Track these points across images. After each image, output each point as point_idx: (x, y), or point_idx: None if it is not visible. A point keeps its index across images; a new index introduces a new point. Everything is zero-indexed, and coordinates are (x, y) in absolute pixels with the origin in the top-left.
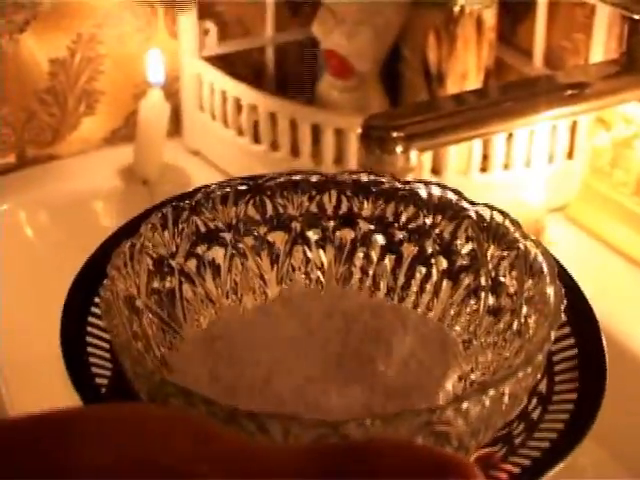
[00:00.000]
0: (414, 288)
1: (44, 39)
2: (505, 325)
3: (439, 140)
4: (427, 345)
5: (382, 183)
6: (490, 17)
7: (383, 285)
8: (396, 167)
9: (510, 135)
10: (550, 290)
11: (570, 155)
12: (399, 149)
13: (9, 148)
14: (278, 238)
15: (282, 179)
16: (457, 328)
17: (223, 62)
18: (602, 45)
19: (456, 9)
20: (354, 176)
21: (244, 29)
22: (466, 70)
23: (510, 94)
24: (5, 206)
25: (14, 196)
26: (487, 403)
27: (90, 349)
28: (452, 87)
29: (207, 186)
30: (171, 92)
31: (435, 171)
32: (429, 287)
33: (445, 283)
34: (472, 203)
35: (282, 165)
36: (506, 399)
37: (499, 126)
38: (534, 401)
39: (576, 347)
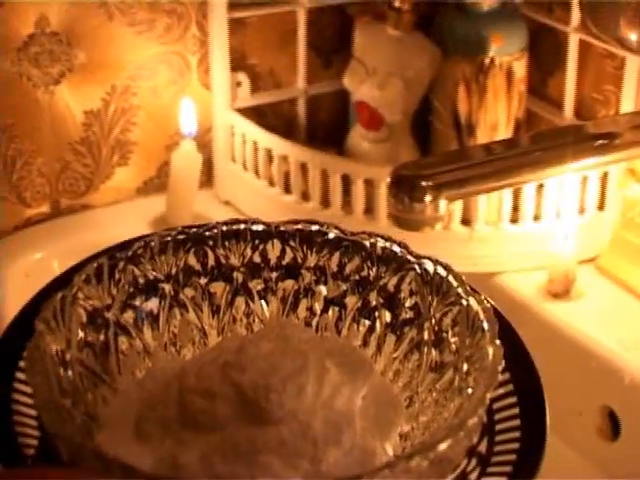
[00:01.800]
0: (358, 341)
1: (79, 91)
2: (447, 382)
3: (468, 189)
4: (372, 399)
5: (326, 234)
6: (520, 68)
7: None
8: (425, 216)
9: (540, 186)
10: (489, 350)
11: (601, 206)
12: (428, 198)
13: (43, 198)
14: (219, 289)
15: (224, 228)
16: (399, 384)
17: (255, 113)
18: (632, 96)
19: (486, 61)
20: (298, 226)
21: (276, 81)
22: (496, 121)
23: (539, 144)
24: (39, 255)
25: (48, 245)
26: (416, 468)
27: (20, 408)
28: (482, 138)
29: (146, 236)
30: (203, 143)
31: (465, 222)
32: (373, 340)
33: (389, 337)
34: (417, 256)
35: (313, 216)
36: (435, 465)
37: (528, 175)
38: (473, 462)
39: (518, 406)
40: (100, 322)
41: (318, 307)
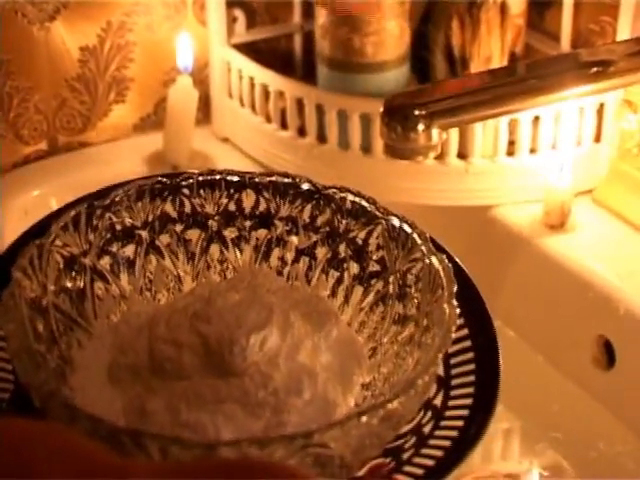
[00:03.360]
0: (326, 292)
1: (74, 27)
2: (408, 335)
3: (461, 118)
4: (336, 350)
5: (299, 186)
6: (518, 3)
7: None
8: (418, 145)
9: (536, 118)
10: (446, 309)
11: (597, 138)
12: (421, 127)
13: (41, 135)
14: (194, 236)
15: (200, 178)
16: (364, 335)
17: (251, 49)
18: (629, 26)
19: None
20: (272, 178)
21: (272, 16)
22: (490, 55)
23: (534, 72)
24: (37, 192)
25: (45, 182)
26: (366, 425)
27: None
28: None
29: (123, 183)
30: (200, 80)
31: (461, 155)
32: (341, 291)
33: (356, 288)
34: (385, 212)
35: (310, 151)
36: (386, 421)
37: (523, 103)
38: (428, 414)
39: (474, 362)
40: (77, 268)
41: (289, 257)
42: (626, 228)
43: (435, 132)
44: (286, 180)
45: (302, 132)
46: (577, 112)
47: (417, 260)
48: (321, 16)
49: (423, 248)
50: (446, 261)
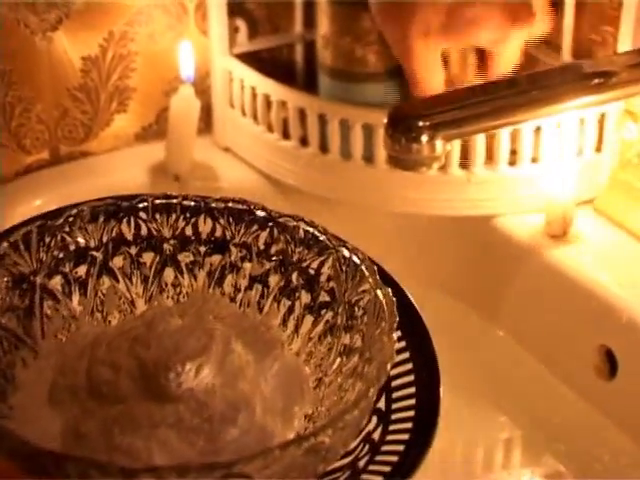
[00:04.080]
0: (277, 320)
1: (76, 37)
2: (352, 367)
3: (465, 129)
4: (279, 381)
5: (254, 213)
6: None
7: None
8: (422, 156)
9: (538, 128)
10: (385, 342)
11: (598, 148)
12: (424, 138)
13: (43, 145)
14: (149, 259)
15: (156, 201)
16: (312, 365)
17: (253, 59)
18: (630, 37)
19: None
20: (228, 204)
21: (274, 26)
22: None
23: (536, 83)
24: (38, 201)
25: (47, 192)
26: (291, 457)
27: None
28: None
29: (78, 204)
30: (201, 89)
31: (463, 165)
32: (291, 320)
33: (307, 318)
34: (337, 242)
35: (312, 161)
36: (312, 454)
37: (525, 115)
38: (365, 448)
39: (415, 397)
40: (26, 286)
41: (243, 284)
42: (628, 237)
43: (439, 143)
44: (241, 207)
45: (304, 142)
46: (578, 122)
47: (365, 292)
48: (323, 26)
49: (370, 280)
50: (390, 294)
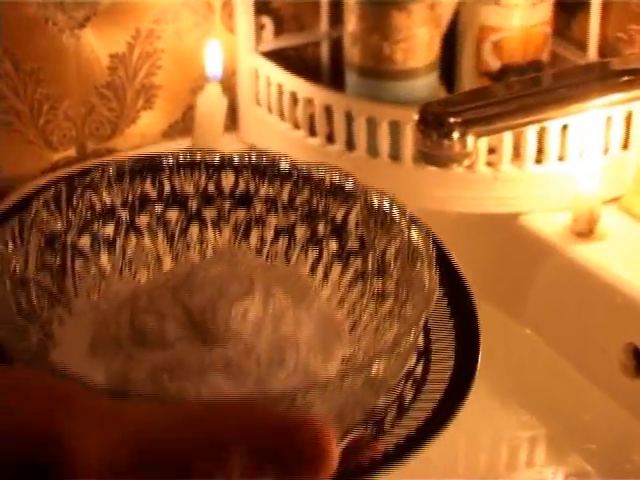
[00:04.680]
0: (305, 270)
1: (104, 35)
2: (387, 310)
3: (495, 126)
4: (316, 324)
5: (278, 165)
6: (545, 10)
7: None
8: (453, 152)
9: (565, 126)
10: (426, 277)
11: (625, 146)
12: (456, 134)
13: (70, 142)
14: (174, 216)
15: (180, 158)
16: (344, 311)
17: (279, 57)
18: None
19: None
20: (253, 157)
21: (300, 24)
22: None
23: (564, 81)
24: None
25: None
26: (349, 388)
27: None
28: None
29: (103, 163)
30: (228, 87)
31: (490, 163)
32: (320, 268)
33: (335, 266)
34: (364, 189)
35: (338, 158)
36: (368, 385)
37: (554, 112)
38: (409, 384)
39: (454, 330)
40: (57, 245)
41: (269, 236)
42: None
43: (470, 139)
44: (265, 159)
45: (331, 139)
46: (605, 120)
47: (396, 236)
48: (351, 23)
49: (402, 223)
50: (424, 234)
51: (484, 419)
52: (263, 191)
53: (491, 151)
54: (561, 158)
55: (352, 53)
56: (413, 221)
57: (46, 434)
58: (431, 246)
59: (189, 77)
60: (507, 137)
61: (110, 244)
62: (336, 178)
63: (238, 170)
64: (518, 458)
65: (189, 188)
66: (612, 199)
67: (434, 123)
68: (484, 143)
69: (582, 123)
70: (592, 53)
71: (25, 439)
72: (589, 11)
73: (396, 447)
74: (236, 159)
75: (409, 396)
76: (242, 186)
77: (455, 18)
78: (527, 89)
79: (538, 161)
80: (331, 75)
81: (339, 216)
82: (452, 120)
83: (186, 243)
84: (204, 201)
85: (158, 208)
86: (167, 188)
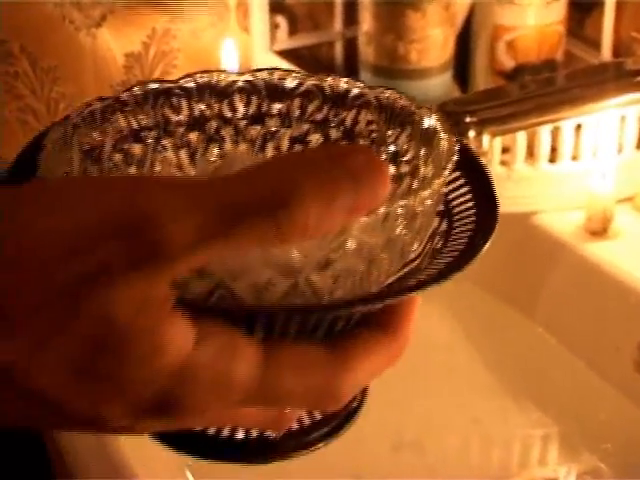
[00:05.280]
0: None
1: (120, 34)
2: (405, 188)
3: (510, 125)
4: None
5: (285, 80)
6: (559, 9)
7: None
8: None
9: (578, 126)
10: (444, 143)
11: (639, 145)
12: (472, 133)
13: None
14: (194, 137)
15: (198, 80)
16: None
17: (293, 56)
18: None
19: None
20: (263, 75)
21: (314, 23)
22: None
23: (579, 81)
24: None
25: None
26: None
27: None
28: None
29: (129, 88)
30: None
31: (504, 162)
32: None
33: None
34: (370, 88)
35: None
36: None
37: (568, 112)
38: (436, 239)
39: (471, 194)
40: (94, 159)
41: (284, 146)
42: None
43: (486, 138)
44: (276, 76)
45: None
46: (619, 119)
47: (407, 122)
48: (366, 23)
49: (412, 108)
50: (439, 118)
51: (497, 417)
52: (275, 108)
53: (505, 150)
54: (575, 157)
55: (366, 52)
56: (425, 110)
57: (137, 217)
58: (445, 122)
59: None
60: (521, 136)
61: (139, 165)
62: (345, 83)
63: (250, 91)
64: (531, 456)
65: (207, 110)
66: (626, 198)
67: (450, 122)
68: (498, 142)
69: (596, 122)
70: (606, 52)
71: (118, 226)
72: (603, 10)
73: (438, 271)
74: (248, 77)
75: (439, 244)
76: (255, 105)
77: (469, 17)
78: (542, 89)
79: (552, 160)
80: (345, 74)
81: (349, 119)
82: (468, 119)
83: (207, 159)
84: (222, 122)
85: (180, 130)
86: (186, 111)
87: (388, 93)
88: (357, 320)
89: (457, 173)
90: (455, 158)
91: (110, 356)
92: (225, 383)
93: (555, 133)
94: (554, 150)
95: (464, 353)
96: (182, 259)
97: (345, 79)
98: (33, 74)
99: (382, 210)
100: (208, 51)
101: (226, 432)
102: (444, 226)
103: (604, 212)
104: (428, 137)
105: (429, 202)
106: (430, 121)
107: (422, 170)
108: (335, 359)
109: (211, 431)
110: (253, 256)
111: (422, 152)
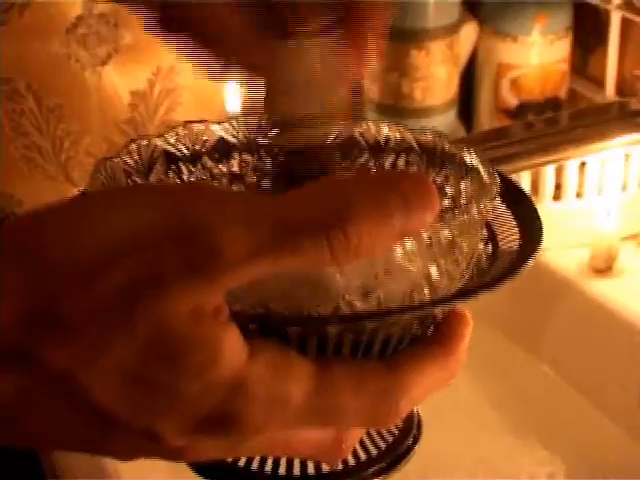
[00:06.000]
0: None
1: (125, 72)
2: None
3: (513, 165)
4: None
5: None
6: (564, 47)
7: None
8: None
9: (583, 164)
10: (485, 176)
11: None
12: None
13: None
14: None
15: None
16: None
17: None
18: None
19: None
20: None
21: None
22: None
23: (583, 120)
24: None
25: None
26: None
27: None
28: None
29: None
30: None
31: None
32: None
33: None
34: (410, 130)
35: None
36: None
37: (572, 152)
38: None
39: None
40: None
41: None
42: None
43: None
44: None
45: None
46: (623, 157)
47: (447, 162)
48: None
49: (453, 150)
50: (475, 153)
51: (502, 455)
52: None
53: None
54: (579, 195)
55: (370, 90)
56: (464, 148)
57: (194, 223)
58: (485, 159)
59: (209, 113)
60: (525, 174)
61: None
62: (385, 131)
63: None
64: None
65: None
66: (630, 236)
67: None
68: None
69: (600, 160)
70: (610, 90)
71: (175, 230)
72: (607, 49)
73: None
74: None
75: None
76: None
77: (473, 56)
78: (546, 129)
79: (556, 197)
80: None
81: (388, 162)
82: None
83: None
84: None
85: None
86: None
87: (428, 135)
88: (411, 338)
89: (500, 201)
90: (496, 187)
91: (165, 364)
92: (280, 399)
93: (559, 170)
94: (558, 187)
95: (469, 390)
96: (237, 269)
97: (386, 125)
98: (39, 112)
99: (425, 235)
100: (213, 87)
101: (269, 467)
102: (489, 249)
103: (609, 250)
104: (468, 173)
105: (468, 229)
106: (470, 158)
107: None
108: (391, 373)
109: (255, 465)
110: (297, 279)
111: (463, 187)
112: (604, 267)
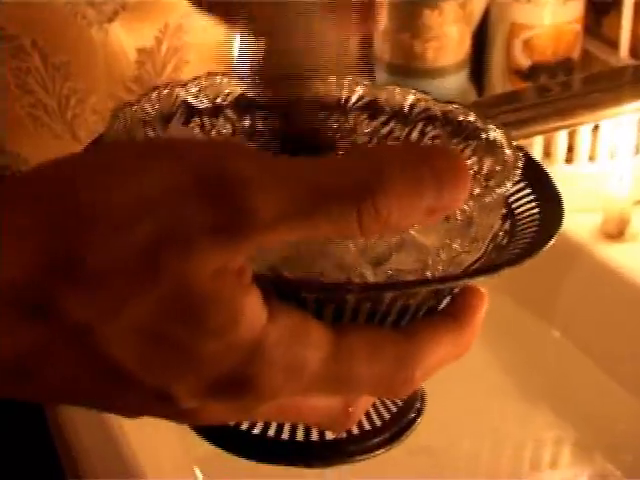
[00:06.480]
0: None
1: (132, 29)
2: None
3: (527, 130)
4: None
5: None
6: (576, 8)
7: None
8: None
9: (596, 127)
10: (509, 155)
11: None
12: None
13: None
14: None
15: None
16: None
17: None
18: None
19: None
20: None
21: None
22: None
23: (597, 84)
24: None
25: None
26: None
27: None
28: None
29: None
30: None
31: None
32: None
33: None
34: (435, 100)
35: None
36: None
37: (585, 117)
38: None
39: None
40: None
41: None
42: None
43: None
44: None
45: None
46: (636, 121)
47: (472, 137)
48: (381, 21)
49: (478, 124)
50: (503, 129)
51: (513, 420)
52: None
53: None
54: (592, 158)
55: (382, 51)
56: (489, 124)
57: (225, 182)
58: (509, 135)
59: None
60: (537, 137)
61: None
62: (411, 98)
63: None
64: (542, 459)
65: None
66: None
67: None
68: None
69: (613, 124)
70: (624, 52)
71: (205, 187)
72: (621, 9)
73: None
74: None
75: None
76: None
77: (485, 16)
78: (559, 93)
79: (568, 161)
80: None
81: (416, 131)
82: None
83: None
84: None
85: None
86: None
87: (453, 107)
88: (426, 311)
89: (522, 182)
90: (519, 169)
91: (185, 323)
92: (297, 364)
93: (572, 134)
94: (570, 150)
95: (479, 356)
96: (265, 232)
97: (413, 90)
98: (44, 70)
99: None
100: (220, 47)
101: (272, 432)
102: (507, 226)
103: (621, 214)
104: (493, 150)
105: (488, 209)
106: (495, 134)
107: (487, 182)
108: (407, 342)
109: (257, 430)
110: (310, 246)
111: (486, 164)
112: (616, 232)
